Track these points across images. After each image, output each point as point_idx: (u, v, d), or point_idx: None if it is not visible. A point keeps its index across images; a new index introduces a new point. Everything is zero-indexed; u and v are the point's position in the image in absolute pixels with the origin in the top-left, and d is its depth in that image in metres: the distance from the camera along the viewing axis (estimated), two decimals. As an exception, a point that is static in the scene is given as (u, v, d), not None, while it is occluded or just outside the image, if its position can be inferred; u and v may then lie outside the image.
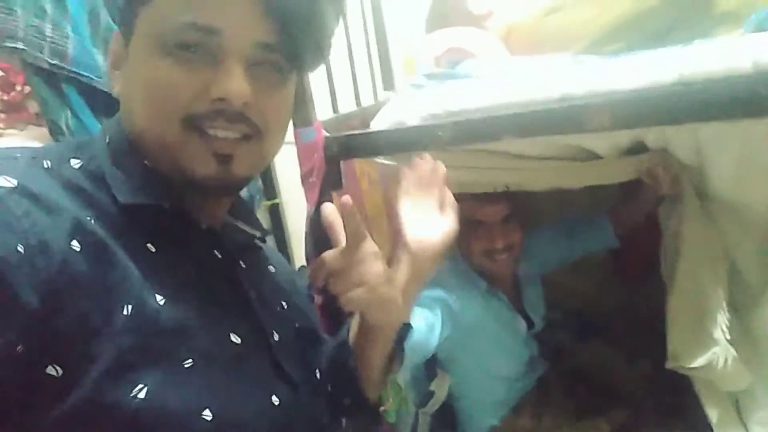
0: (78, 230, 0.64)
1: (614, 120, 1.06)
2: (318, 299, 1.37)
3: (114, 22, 0.79)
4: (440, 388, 1.63)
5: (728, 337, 1.31)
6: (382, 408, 1.39)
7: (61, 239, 0.62)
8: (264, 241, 0.96)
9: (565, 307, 1.99)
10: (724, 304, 1.32)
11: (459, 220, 1.51)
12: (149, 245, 0.71)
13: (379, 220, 1.87)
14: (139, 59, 0.71)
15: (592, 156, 1.35)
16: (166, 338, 0.67)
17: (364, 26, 1.84)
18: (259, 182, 2.15)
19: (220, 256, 0.80)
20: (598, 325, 1.99)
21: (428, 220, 1.03)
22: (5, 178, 0.62)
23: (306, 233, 1.29)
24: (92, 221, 0.66)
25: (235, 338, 0.75)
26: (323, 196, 1.26)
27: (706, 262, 1.36)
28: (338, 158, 1.26)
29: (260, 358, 0.79)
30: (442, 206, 1.05)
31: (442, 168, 1.06)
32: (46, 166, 0.69)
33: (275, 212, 2.30)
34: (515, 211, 1.60)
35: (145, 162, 0.74)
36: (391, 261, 1.06)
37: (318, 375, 0.94)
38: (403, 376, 1.54)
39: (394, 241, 1.62)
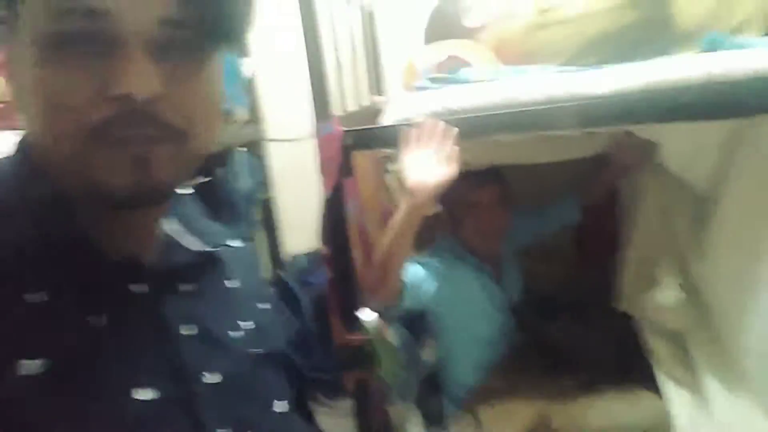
0: None
1: (590, 119, 1.27)
2: (329, 272, 1.56)
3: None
4: (428, 355, 1.83)
5: (679, 281, 1.57)
6: (378, 368, 1.60)
7: None
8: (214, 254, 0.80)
9: (536, 290, 2.18)
10: (675, 254, 1.58)
11: (454, 202, 1.74)
12: (34, 295, 0.58)
13: (373, 206, 2.06)
14: (25, 64, 0.58)
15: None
16: (37, 415, 0.55)
17: (364, 37, 2.04)
18: (260, 175, 2.31)
19: (142, 290, 0.67)
20: (564, 306, 2.19)
21: (427, 167, 1.33)
22: None
23: (323, 215, 1.48)
24: None
25: (146, 394, 0.62)
26: (338, 183, 1.46)
27: (660, 219, 1.64)
28: (352, 149, 1.45)
29: (179, 414, 0.65)
30: (444, 158, 1.33)
31: (442, 125, 1.33)
32: None
33: (267, 206, 2.48)
34: (505, 195, 1.82)
35: (47, 186, 0.62)
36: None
37: (285, 405, 0.81)
38: (396, 340, 1.73)
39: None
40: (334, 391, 2.00)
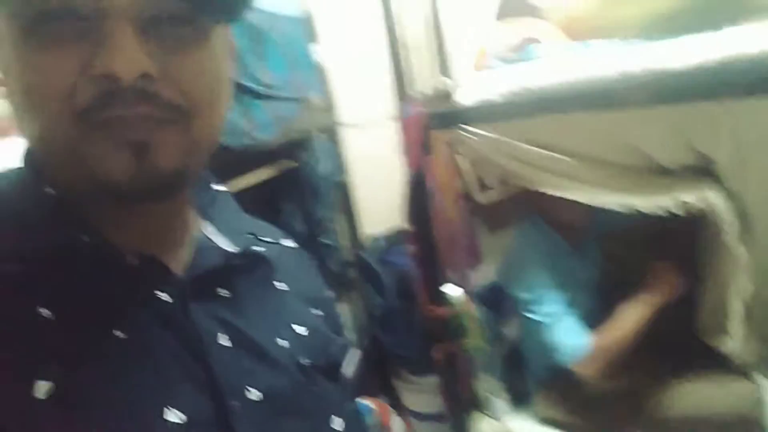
0: None
1: (665, 95, 1.30)
2: (412, 249, 1.64)
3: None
4: (510, 331, 1.90)
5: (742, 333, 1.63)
6: (464, 341, 1.67)
7: None
8: (255, 255, 0.72)
9: (616, 274, 2.21)
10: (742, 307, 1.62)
11: (545, 196, 1.78)
12: (43, 310, 0.54)
13: (445, 185, 2.14)
14: (7, 55, 0.54)
15: (645, 164, 1.55)
16: None
17: (429, 21, 2.10)
18: (337, 160, 2.39)
19: (168, 297, 0.61)
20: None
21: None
22: None
23: (407, 194, 1.56)
24: None
25: (174, 416, 0.56)
26: (420, 163, 1.53)
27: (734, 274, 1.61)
28: (433, 129, 1.52)
29: None
30: None
31: None
32: None
33: (344, 189, 2.56)
34: None
35: (47, 190, 0.59)
36: None
37: (339, 424, 0.72)
38: (480, 315, 1.80)
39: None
40: (419, 367, 2.09)
